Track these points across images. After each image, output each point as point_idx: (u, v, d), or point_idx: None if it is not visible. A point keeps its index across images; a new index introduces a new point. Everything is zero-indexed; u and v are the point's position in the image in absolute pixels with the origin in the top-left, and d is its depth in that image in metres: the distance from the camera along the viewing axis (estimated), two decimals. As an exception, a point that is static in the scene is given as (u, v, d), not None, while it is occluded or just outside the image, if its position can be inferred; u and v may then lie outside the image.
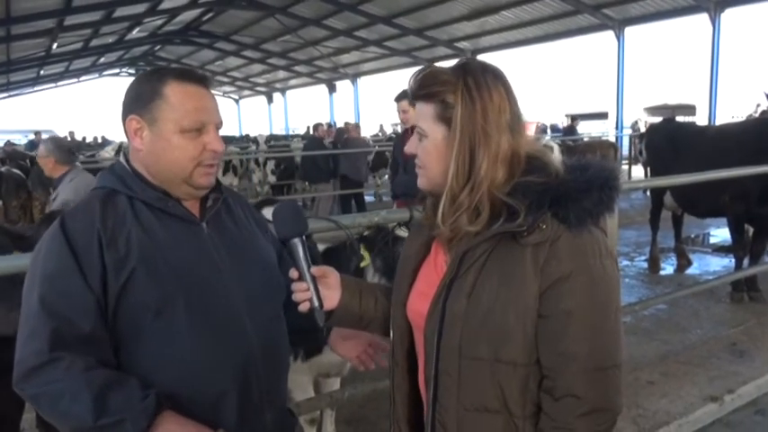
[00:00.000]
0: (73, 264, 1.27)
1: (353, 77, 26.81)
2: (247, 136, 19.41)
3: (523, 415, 1.20)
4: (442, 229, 1.25)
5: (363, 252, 2.55)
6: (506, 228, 1.17)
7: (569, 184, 1.17)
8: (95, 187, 1.43)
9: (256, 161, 12.65)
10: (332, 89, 28.66)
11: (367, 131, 18.22)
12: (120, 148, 12.30)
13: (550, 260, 1.15)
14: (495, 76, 1.23)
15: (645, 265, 7.09)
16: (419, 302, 1.31)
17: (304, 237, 1.38)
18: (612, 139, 17.08)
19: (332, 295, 1.40)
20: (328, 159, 9.96)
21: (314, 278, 1.36)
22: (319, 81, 29.16)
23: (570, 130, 15.34)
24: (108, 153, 11.78)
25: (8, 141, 18.95)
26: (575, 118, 16.43)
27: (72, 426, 1.20)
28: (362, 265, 2.56)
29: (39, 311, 1.24)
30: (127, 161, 1.44)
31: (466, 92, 1.19)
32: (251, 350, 1.40)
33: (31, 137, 19.92)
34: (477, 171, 1.19)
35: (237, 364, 1.38)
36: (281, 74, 30.06)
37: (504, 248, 1.18)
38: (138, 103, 1.38)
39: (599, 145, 11.38)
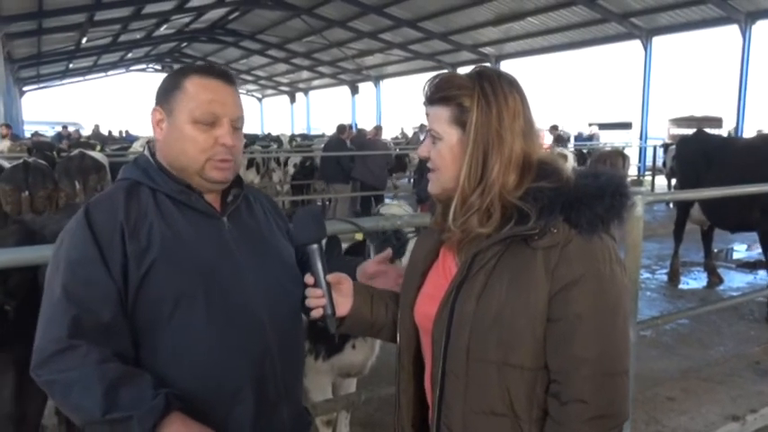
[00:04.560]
0: (96, 253, 1.28)
1: (376, 80, 26.89)
2: (269, 135, 19.49)
3: (530, 419, 1.19)
4: (453, 231, 1.25)
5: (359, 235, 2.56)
6: (518, 231, 1.18)
7: (582, 190, 1.19)
8: (119, 178, 1.44)
9: (277, 160, 12.72)
10: (354, 91, 28.77)
11: (388, 134, 18.23)
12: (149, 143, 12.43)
13: (561, 264, 1.15)
14: (510, 82, 1.25)
15: (666, 278, 6.98)
16: (427, 305, 1.32)
17: (323, 243, 1.38)
18: (636, 150, 16.93)
19: (344, 302, 1.40)
20: (349, 161, 9.69)
21: (329, 285, 1.37)
22: (342, 82, 29.31)
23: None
24: (140, 148, 11.94)
25: (36, 132, 19.29)
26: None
27: (81, 417, 1.20)
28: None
29: (60, 299, 1.24)
30: (152, 155, 1.45)
31: (482, 96, 1.21)
32: (268, 346, 1.40)
33: (58, 128, 20.28)
34: (489, 173, 1.21)
35: (254, 358, 1.38)
36: (305, 74, 30.27)
37: (514, 252, 1.19)
38: (162, 96, 1.42)
39: (608, 154, 11.27)
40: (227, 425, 1.33)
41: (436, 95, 1.26)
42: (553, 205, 1.17)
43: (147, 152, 1.47)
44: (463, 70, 1.36)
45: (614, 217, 1.19)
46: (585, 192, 1.18)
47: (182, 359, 1.31)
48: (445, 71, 1.31)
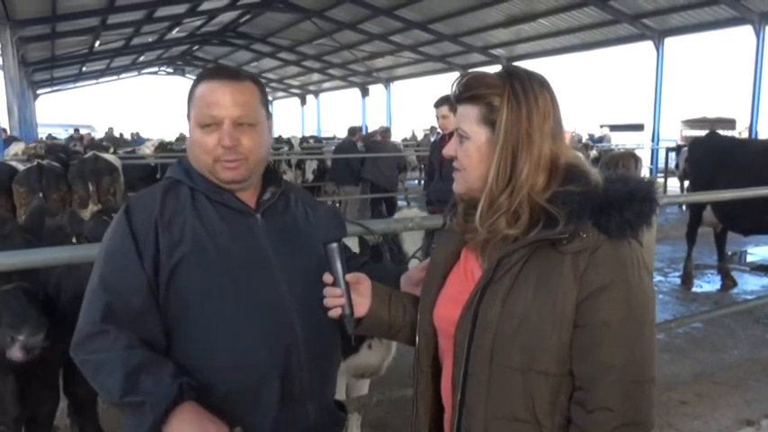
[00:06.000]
0: (131, 245, 1.37)
1: (387, 82, 26.88)
2: (280, 137, 19.56)
3: (552, 426, 1.18)
4: (480, 232, 1.23)
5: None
6: (547, 235, 1.16)
7: (612, 194, 1.16)
8: (164, 177, 1.53)
9: (288, 162, 12.76)
10: (365, 93, 28.79)
11: (398, 136, 18.20)
12: (161, 145, 12.62)
13: (590, 269, 1.14)
14: (541, 82, 1.24)
15: (679, 281, 6.91)
16: (448, 308, 1.30)
17: (342, 242, 1.38)
18: (648, 152, 16.81)
19: (362, 302, 1.39)
20: (359, 163, 9.67)
21: (348, 285, 1.36)
22: (353, 84, 29.34)
23: None
24: (148, 149, 12.03)
25: (49, 135, 19.49)
26: None
27: (105, 397, 1.30)
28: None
29: (97, 286, 1.35)
30: None
31: (512, 96, 1.20)
32: (296, 340, 1.42)
33: (71, 131, 20.48)
34: (518, 174, 1.19)
35: (281, 352, 1.40)
36: (315, 76, 30.35)
37: (541, 255, 1.17)
38: (187, 106, 1.50)
39: (620, 156, 11.05)
40: (250, 415, 1.37)
41: (465, 94, 1.25)
42: (582, 209, 1.15)
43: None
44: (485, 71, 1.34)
45: (643, 222, 1.17)
46: (616, 196, 1.16)
47: (209, 350, 1.37)
48: (471, 71, 1.28)
